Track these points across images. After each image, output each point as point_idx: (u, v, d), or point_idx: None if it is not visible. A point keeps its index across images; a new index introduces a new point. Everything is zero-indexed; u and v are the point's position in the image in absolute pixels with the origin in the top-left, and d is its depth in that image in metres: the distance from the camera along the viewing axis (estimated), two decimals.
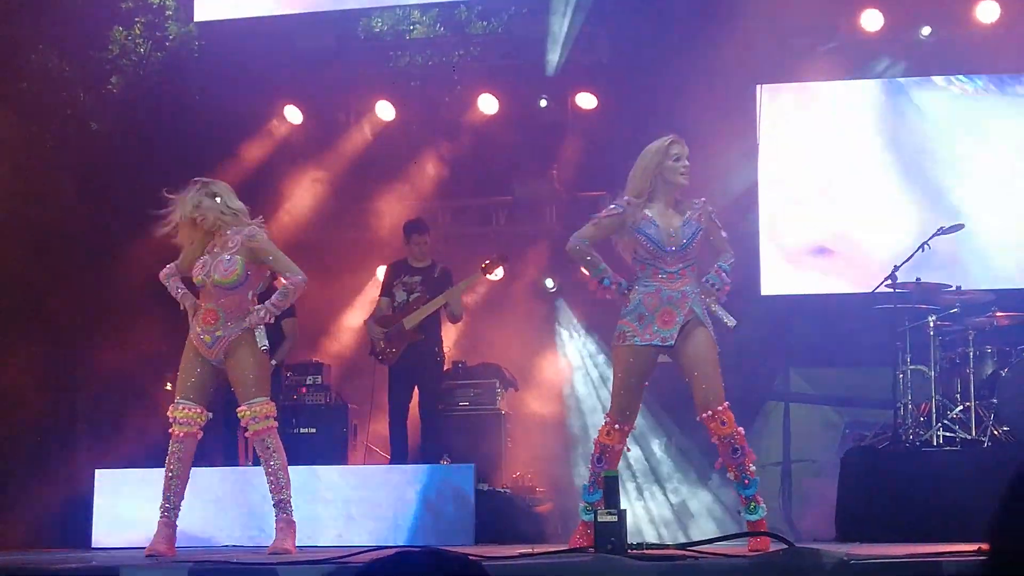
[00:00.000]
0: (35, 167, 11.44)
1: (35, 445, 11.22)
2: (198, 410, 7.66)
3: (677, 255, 7.10)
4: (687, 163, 7.17)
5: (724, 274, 7.25)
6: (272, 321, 7.73)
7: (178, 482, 7.67)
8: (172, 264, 7.79)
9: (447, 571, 2.50)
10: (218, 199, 7.64)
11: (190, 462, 7.72)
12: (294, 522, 7.69)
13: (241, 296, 7.63)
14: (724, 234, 7.37)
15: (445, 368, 11.39)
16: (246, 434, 7.72)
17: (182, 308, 7.72)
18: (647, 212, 7.12)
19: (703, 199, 7.28)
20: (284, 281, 7.82)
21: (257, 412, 7.58)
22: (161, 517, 7.68)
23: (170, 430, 7.68)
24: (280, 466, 7.63)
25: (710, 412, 7.02)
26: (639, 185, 7.15)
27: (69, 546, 9.64)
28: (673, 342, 7.07)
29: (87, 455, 11.32)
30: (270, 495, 7.70)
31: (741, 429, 7.09)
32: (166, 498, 7.68)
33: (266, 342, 7.64)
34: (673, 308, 7.08)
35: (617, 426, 7.21)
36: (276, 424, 7.70)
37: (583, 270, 7.61)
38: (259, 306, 7.66)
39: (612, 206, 7.26)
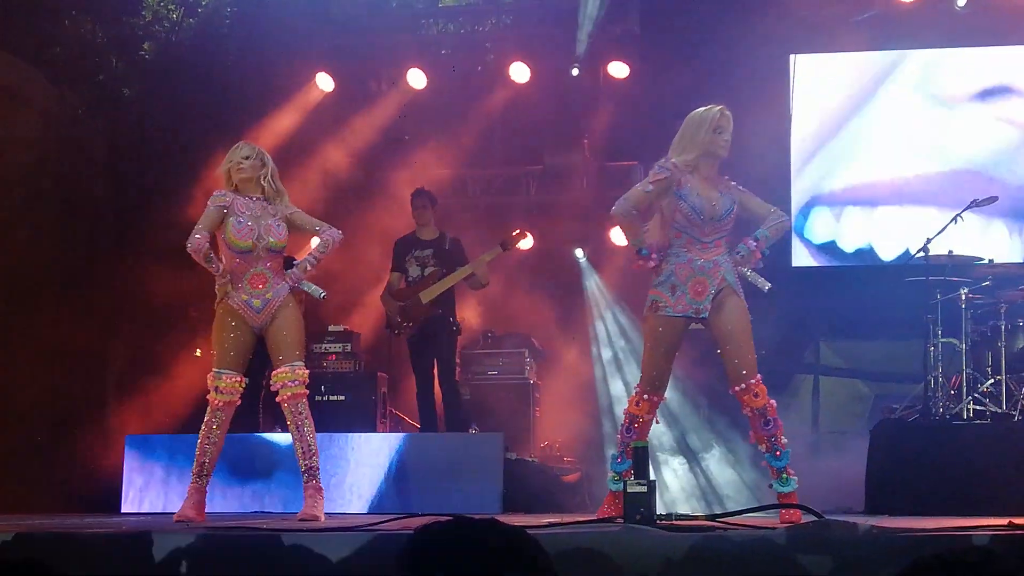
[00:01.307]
0: (67, 132, 11.47)
1: (64, 411, 11.28)
2: (238, 379, 7.67)
3: (714, 225, 7.04)
4: (729, 137, 7.11)
5: (755, 242, 7.17)
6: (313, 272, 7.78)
7: (213, 449, 7.70)
8: (203, 232, 7.65)
9: (503, 542, 2.50)
10: (267, 169, 7.68)
11: (226, 429, 7.74)
12: (322, 489, 7.71)
13: (282, 258, 7.72)
14: (756, 200, 7.28)
15: (469, 338, 11.38)
16: (277, 398, 7.69)
17: (222, 278, 7.65)
18: (690, 178, 7.05)
19: (726, 177, 7.21)
20: (319, 237, 7.83)
21: (298, 375, 7.59)
22: (192, 482, 7.71)
23: (208, 397, 7.69)
24: (310, 433, 7.65)
25: (743, 385, 6.99)
26: (687, 153, 7.07)
27: (98, 511, 9.69)
28: (707, 313, 7.03)
29: (116, 421, 11.37)
30: (299, 461, 7.71)
31: (773, 401, 7.05)
32: (199, 464, 7.70)
33: (321, 290, 7.70)
34: (706, 278, 7.03)
35: (646, 396, 7.18)
36: (307, 392, 7.72)
37: (624, 235, 7.53)
38: (301, 261, 7.71)
39: (657, 168, 7.11)
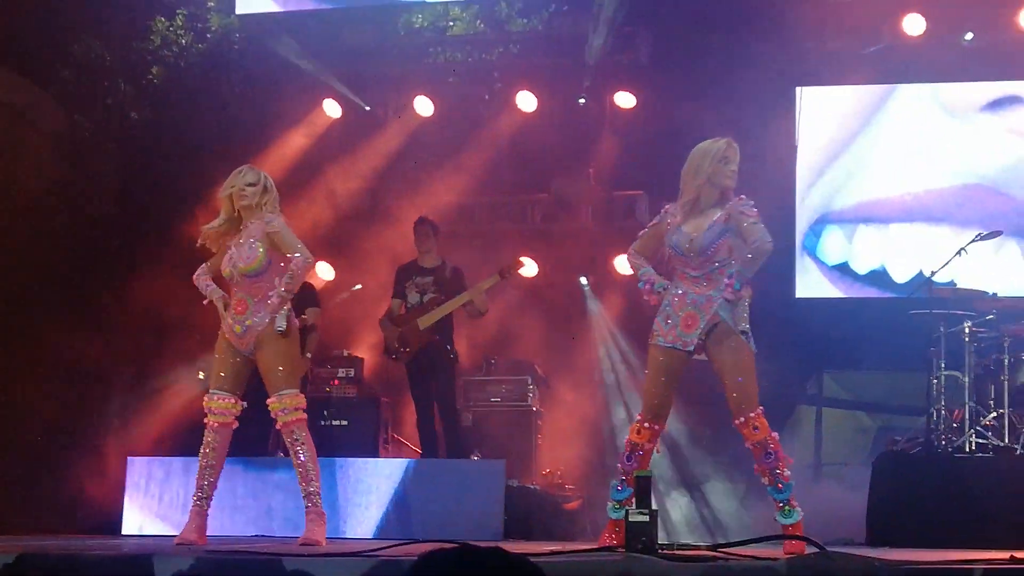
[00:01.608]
0: (75, 155, 11.52)
1: (67, 432, 11.29)
2: (232, 400, 7.70)
3: (698, 259, 7.10)
4: (735, 168, 7.16)
5: (728, 278, 7.12)
6: (287, 304, 7.69)
7: (212, 472, 7.72)
8: (204, 265, 7.86)
9: (509, 570, 2.51)
10: (270, 196, 7.69)
11: (225, 452, 7.76)
12: (324, 513, 7.71)
13: (268, 284, 7.64)
14: (749, 222, 7.18)
15: (473, 364, 11.41)
16: (276, 426, 7.75)
17: (210, 301, 7.75)
18: (679, 218, 7.15)
19: (741, 196, 7.21)
20: (289, 264, 7.78)
21: (287, 404, 7.61)
22: (193, 506, 7.73)
23: (205, 420, 7.73)
24: (309, 458, 7.66)
25: (743, 418, 7.02)
26: (688, 185, 7.15)
27: (99, 533, 9.70)
28: (692, 347, 7.08)
29: (118, 442, 11.38)
30: (299, 487, 7.73)
31: (775, 434, 7.08)
32: (199, 487, 7.73)
33: (283, 324, 7.61)
34: (697, 312, 7.09)
35: (647, 424, 7.21)
36: (305, 416, 7.72)
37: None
38: (272, 292, 7.69)
39: (655, 219, 7.38)
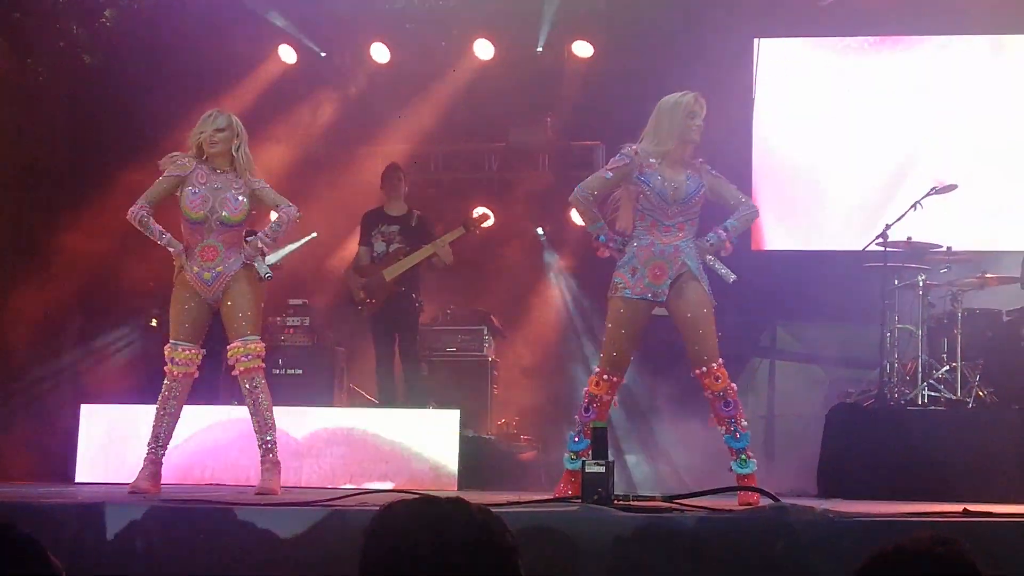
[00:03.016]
0: (27, 99, 11.37)
1: (18, 380, 11.21)
2: (195, 351, 7.67)
3: (678, 208, 7.10)
4: (701, 122, 7.16)
5: (724, 232, 7.23)
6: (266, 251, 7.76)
7: (169, 420, 7.69)
8: (143, 203, 7.62)
9: (471, 520, 2.50)
10: (240, 140, 7.62)
11: (183, 401, 7.74)
12: (279, 463, 7.70)
13: (239, 232, 7.66)
14: (728, 186, 7.35)
15: (429, 315, 11.40)
16: (233, 372, 7.69)
17: (170, 248, 7.64)
18: (652, 161, 7.11)
19: (700, 160, 7.26)
20: (277, 213, 7.77)
21: (251, 350, 7.59)
22: (148, 454, 7.69)
23: (165, 368, 7.67)
24: (267, 407, 7.64)
25: (704, 368, 7.05)
26: (662, 141, 7.12)
27: (52, 480, 9.65)
28: (664, 297, 7.09)
29: (71, 389, 11.31)
30: (255, 435, 7.70)
31: (734, 385, 7.13)
32: (155, 436, 7.69)
33: (268, 270, 7.66)
34: (664, 262, 7.09)
35: (606, 377, 7.22)
36: (263, 366, 7.70)
37: (582, 220, 7.60)
38: (252, 238, 7.67)
39: (618, 156, 7.25)
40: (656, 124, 7.18)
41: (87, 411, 9.84)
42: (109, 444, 9.57)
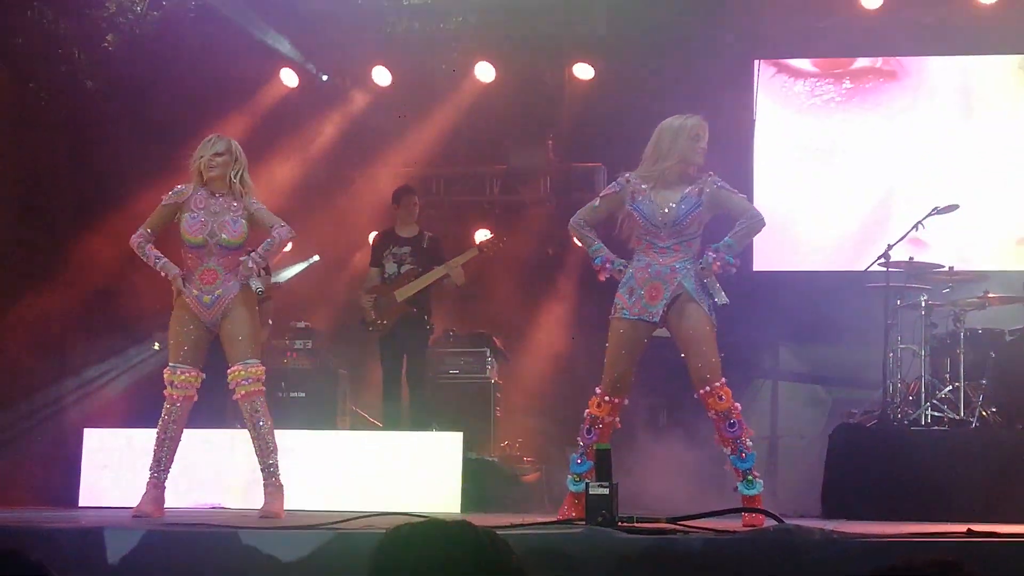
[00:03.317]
0: (28, 124, 11.39)
1: (24, 404, 11.20)
2: (194, 373, 7.68)
3: (670, 230, 7.11)
4: (705, 145, 7.18)
5: (714, 254, 7.19)
6: (260, 271, 7.80)
7: (170, 444, 7.69)
8: (142, 231, 7.74)
9: (477, 543, 2.50)
10: (239, 165, 7.64)
11: (184, 425, 7.74)
12: (282, 486, 7.69)
13: (239, 255, 7.68)
14: (736, 197, 7.31)
15: (433, 337, 11.41)
16: (234, 396, 7.70)
17: (166, 275, 7.68)
18: (644, 187, 7.13)
19: (709, 172, 7.24)
20: (271, 233, 7.77)
21: (251, 373, 7.59)
22: (150, 479, 7.69)
23: (165, 392, 7.68)
24: (268, 430, 7.65)
25: (708, 388, 7.04)
26: (663, 161, 7.13)
27: (55, 505, 9.64)
28: (657, 318, 7.11)
29: (75, 413, 11.30)
30: (257, 460, 7.71)
31: (738, 404, 7.12)
32: (156, 459, 7.70)
33: (260, 285, 7.72)
34: (660, 283, 7.10)
35: (608, 398, 7.22)
36: (264, 389, 7.70)
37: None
38: (245, 257, 7.70)
39: (612, 184, 7.33)
40: (657, 143, 7.20)
41: (90, 435, 9.83)
42: (112, 468, 9.55)
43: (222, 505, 9.16)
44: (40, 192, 11.54)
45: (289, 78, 12.84)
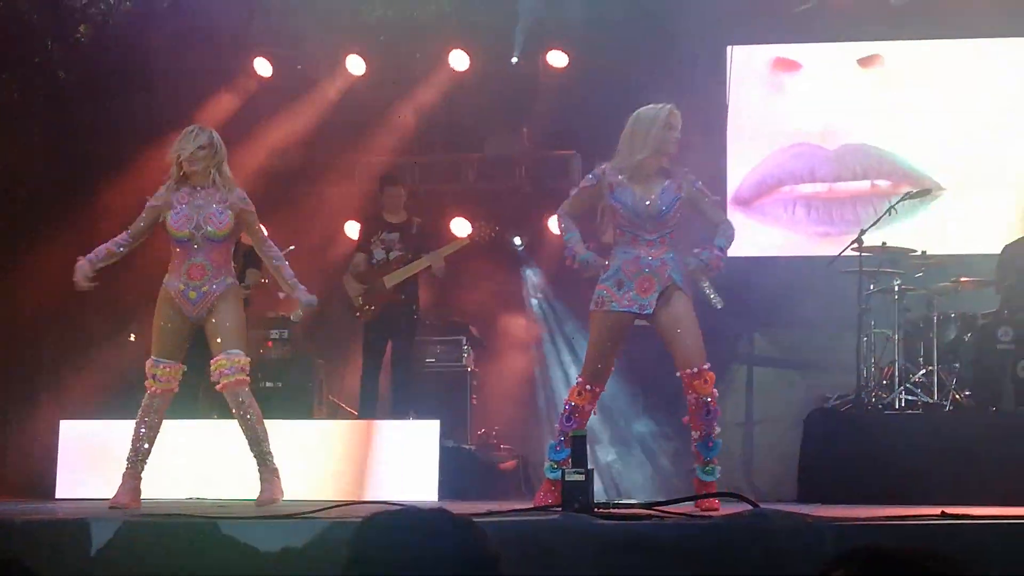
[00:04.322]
0: (2, 115, 11.36)
1: None
2: (177, 367, 7.69)
3: (655, 222, 7.13)
4: (679, 134, 7.20)
5: (718, 251, 7.25)
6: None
7: (150, 435, 7.70)
8: (123, 234, 7.77)
9: (456, 531, 2.52)
10: (219, 158, 7.62)
11: (163, 416, 7.75)
12: (277, 469, 7.71)
13: (227, 249, 7.67)
14: (713, 200, 7.40)
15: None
16: (217, 386, 7.68)
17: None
18: (621, 178, 7.14)
19: (686, 170, 7.28)
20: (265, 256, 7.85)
21: (235, 363, 7.58)
22: (127, 469, 7.69)
23: (147, 383, 7.67)
24: (256, 419, 7.64)
25: (694, 369, 7.08)
26: (638, 152, 7.14)
27: (32, 497, 9.62)
28: (651, 310, 7.12)
29: (50, 405, 11.27)
30: (250, 449, 7.69)
31: (716, 392, 7.17)
32: (135, 450, 7.70)
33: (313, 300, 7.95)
34: (652, 276, 7.13)
35: (588, 387, 7.26)
36: (248, 379, 7.70)
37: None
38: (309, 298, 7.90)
39: (588, 176, 7.35)
40: (631, 134, 7.20)
41: (66, 427, 9.82)
42: (89, 460, 9.54)
43: (196, 496, 9.15)
44: (14, 184, 11.51)
45: (263, 67, 12.81)
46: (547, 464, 7.37)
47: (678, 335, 7.12)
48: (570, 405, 7.28)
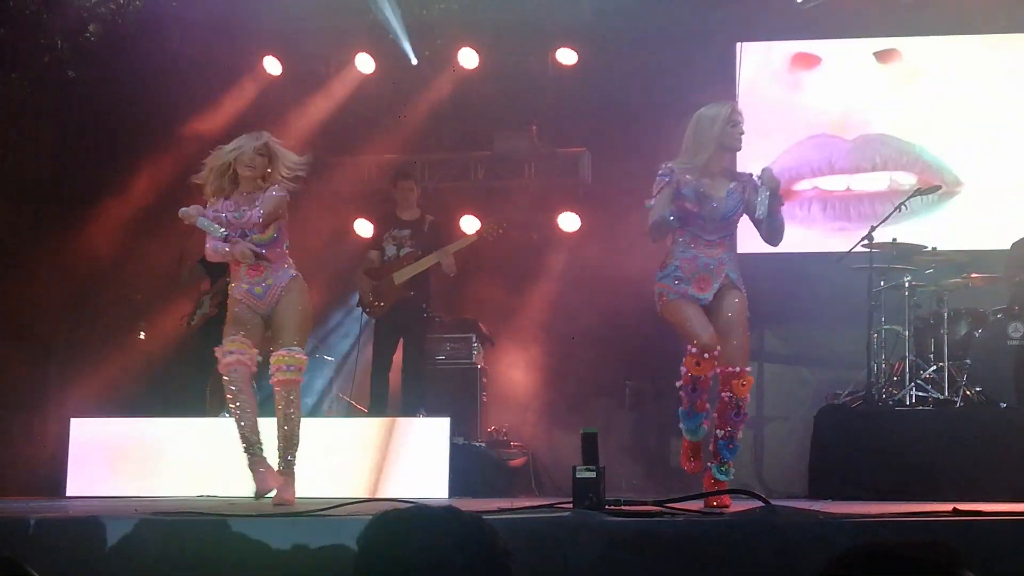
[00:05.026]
0: (12, 114, 11.38)
1: (7, 393, 11.20)
2: (250, 343, 7.60)
3: (717, 224, 7.17)
4: (743, 130, 7.22)
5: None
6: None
7: (249, 414, 7.56)
8: (195, 211, 7.64)
9: (466, 529, 2.52)
10: (278, 158, 7.64)
11: (250, 391, 7.62)
12: (295, 475, 7.70)
13: (279, 244, 7.70)
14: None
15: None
16: (271, 380, 7.62)
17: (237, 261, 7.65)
18: (688, 178, 7.14)
19: (750, 173, 7.30)
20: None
21: (295, 361, 7.57)
22: (252, 459, 7.60)
23: (220, 367, 7.58)
24: (297, 421, 7.64)
25: (736, 369, 7.13)
26: (701, 151, 7.14)
27: (43, 495, 9.64)
28: (707, 302, 7.17)
29: (60, 403, 11.30)
30: (278, 447, 7.66)
31: (750, 397, 7.24)
32: (243, 438, 7.59)
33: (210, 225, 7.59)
34: (709, 275, 7.19)
35: (706, 355, 7.16)
36: (302, 379, 7.69)
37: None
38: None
39: (659, 174, 7.21)
40: (695, 133, 7.22)
41: (77, 425, 9.84)
42: (99, 457, 9.56)
43: (207, 494, 9.16)
44: (23, 182, 11.53)
45: (272, 66, 12.81)
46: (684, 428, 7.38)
47: (726, 336, 7.14)
48: (692, 378, 7.18)
